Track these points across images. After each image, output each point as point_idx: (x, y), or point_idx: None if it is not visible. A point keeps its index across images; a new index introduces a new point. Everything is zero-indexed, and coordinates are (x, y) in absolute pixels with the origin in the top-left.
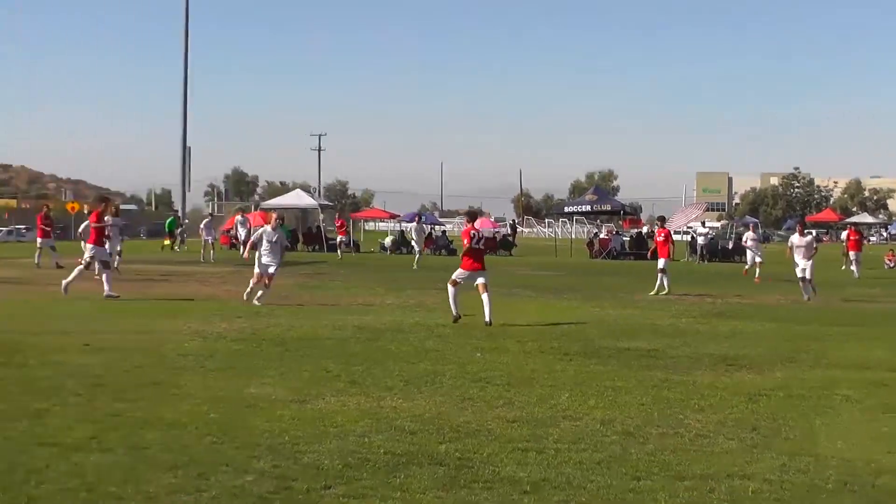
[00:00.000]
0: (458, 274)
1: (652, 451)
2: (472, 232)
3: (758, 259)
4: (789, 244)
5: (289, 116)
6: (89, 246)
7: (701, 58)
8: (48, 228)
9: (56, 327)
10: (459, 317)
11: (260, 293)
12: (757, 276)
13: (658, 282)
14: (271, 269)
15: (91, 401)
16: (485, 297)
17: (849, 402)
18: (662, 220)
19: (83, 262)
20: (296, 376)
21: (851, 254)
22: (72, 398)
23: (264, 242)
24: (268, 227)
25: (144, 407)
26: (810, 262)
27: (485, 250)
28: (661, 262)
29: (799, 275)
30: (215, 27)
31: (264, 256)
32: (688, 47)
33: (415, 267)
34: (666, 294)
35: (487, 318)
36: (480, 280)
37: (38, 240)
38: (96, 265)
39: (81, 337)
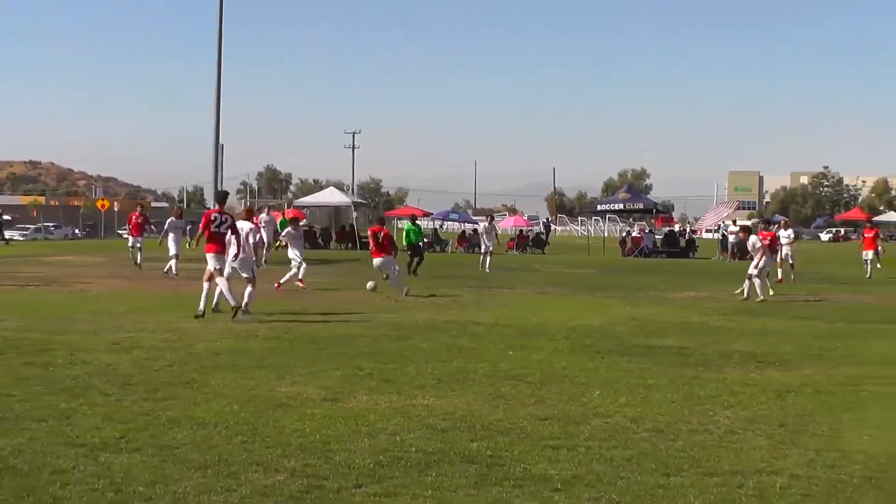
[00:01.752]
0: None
1: (682, 447)
2: (214, 216)
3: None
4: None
5: (323, 114)
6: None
7: (733, 58)
8: (142, 226)
9: (85, 326)
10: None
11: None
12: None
13: (766, 285)
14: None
15: (120, 400)
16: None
17: (876, 398)
18: (768, 223)
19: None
20: (328, 375)
21: (866, 253)
22: (100, 398)
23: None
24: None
25: (174, 406)
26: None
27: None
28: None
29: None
30: (250, 25)
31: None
32: (719, 48)
33: (487, 270)
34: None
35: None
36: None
37: (131, 238)
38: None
39: (111, 336)
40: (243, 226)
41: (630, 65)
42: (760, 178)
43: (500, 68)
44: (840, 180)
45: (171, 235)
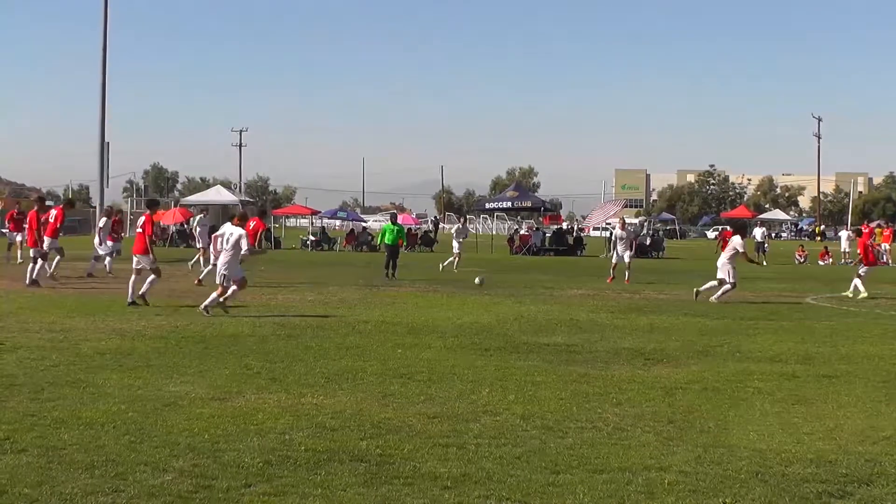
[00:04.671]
0: None
1: (571, 444)
2: None
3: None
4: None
5: (210, 112)
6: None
7: (619, 59)
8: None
9: None
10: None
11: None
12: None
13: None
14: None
15: (4, 401)
16: None
17: (761, 393)
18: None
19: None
20: (216, 374)
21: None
22: None
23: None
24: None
25: (60, 407)
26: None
27: None
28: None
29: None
30: (135, 21)
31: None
32: (605, 48)
33: (455, 270)
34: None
35: None
36: None
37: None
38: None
39: None
40: (233, 230)
41: (517, 64)
42: (647, 176)
43: (388, 67)
44: (726, 178)
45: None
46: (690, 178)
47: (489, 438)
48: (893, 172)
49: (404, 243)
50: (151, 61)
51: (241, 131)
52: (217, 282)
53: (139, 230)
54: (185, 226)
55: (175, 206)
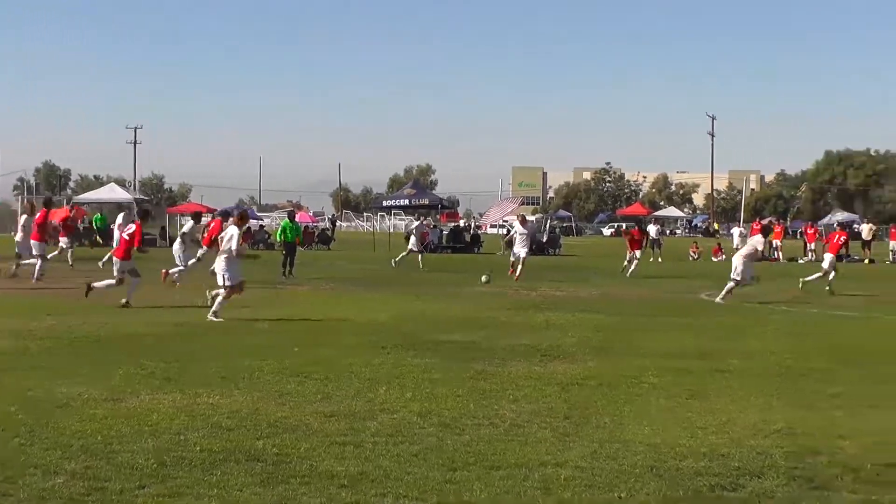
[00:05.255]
0: None
1: (468, 441)
2: None
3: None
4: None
5: (103, 108)
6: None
7: (513, 56)
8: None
9: None
10: None
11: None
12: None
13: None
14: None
15: None
16: None
17: (656, 389)
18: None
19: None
20: (110, 374)
21: (631, 253)
22: None
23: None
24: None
25: None
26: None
27: None
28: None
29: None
30: (21, 14)
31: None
32: (500, 46)
33: (421, 267)
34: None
35: None
36: None
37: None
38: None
39: None
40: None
41: (413, 63)
42: (544, 174)
43: (283, 64)
44: (622, 176)
45: None
46: (587, 175)
47: (386, 436)
48: (784, 170)
49: (301, 241)
50: (40, 54)
51: (135, 128)
52: (219, 283)
53: (125, 237)
54: (80, 223)
55: (67, 203)
